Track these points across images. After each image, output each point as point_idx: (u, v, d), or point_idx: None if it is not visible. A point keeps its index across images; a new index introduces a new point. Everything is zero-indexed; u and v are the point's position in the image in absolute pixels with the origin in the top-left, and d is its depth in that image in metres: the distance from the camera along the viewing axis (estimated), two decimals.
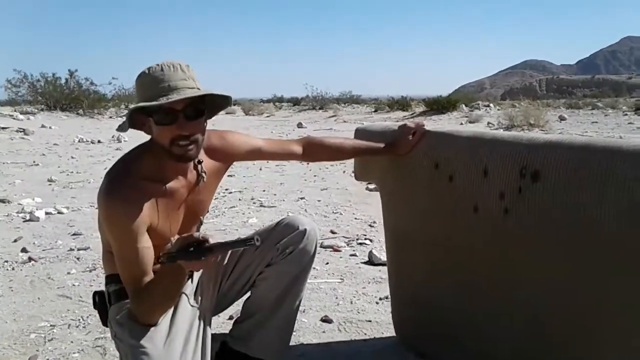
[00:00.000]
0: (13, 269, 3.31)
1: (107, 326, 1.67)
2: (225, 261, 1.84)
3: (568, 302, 1.44)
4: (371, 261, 3.36)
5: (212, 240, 1.34)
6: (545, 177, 1.42)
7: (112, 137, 12.65)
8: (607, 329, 1.37)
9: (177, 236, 1.63)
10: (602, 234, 1.31)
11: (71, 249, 3.71)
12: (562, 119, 16.56)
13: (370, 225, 4.36)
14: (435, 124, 16.24)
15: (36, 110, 18.24)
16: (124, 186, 1.48)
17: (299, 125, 18.10)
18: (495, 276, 1.64)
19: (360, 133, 2.22)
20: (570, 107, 21.62)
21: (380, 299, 2.74)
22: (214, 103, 1.59)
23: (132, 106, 1.47)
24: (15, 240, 3.96)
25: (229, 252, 1.37)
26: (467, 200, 1.67)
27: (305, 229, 1.78)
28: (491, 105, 22.05)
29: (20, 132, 13.02)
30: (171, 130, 1.46)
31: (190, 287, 1.74)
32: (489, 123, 15.60)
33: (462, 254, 1.75)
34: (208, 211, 1.86)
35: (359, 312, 2.58)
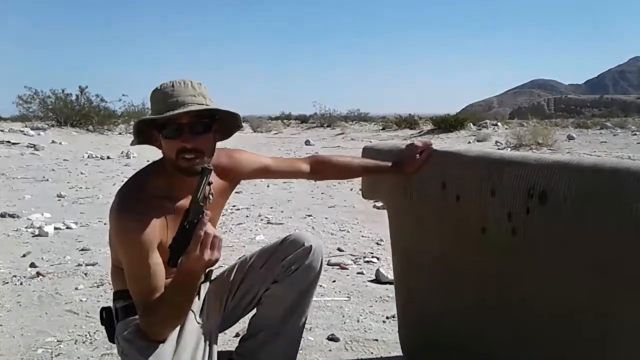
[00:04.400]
0: (21, 283, 3.33)
1: (114, 342, 1.68)
2: (231, 278, 1.85)
3: (579, 324, 1.42)
4: (378, 279, 3.35)
5: None
6: (553, 198, 1.42)
7: (121, 153, 12.76)
8: (622, 351, 1.35)
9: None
10: (610, 255, 1.31)
11: (79, 265, 3.73)
12: (570, 138, 16.51)
13: (377, 244, 4.35)
14: (443, 142, 16.24)
15: (47, 126, 18.42)
16: (135, 203, 1.50)
17: (307, 143, 18.17)
18: (503, 297, 1.63)
19: (367, 151, 2.23)
20: (579, 127, 21.55)
21: (387, 317, 2.72)
22: (227, 123, 1.61)
23: (137, 119, 1.52)
24: (24, 255, 3.98)
25: (202, 196, 1.36)
26: (475, 220, 1.67)
27: (311, 246, 1.79)
28: (499, 124, 22.03)
29: (31, 147, 13.16)
30: (176, 144, 1.49)
31: (197, 304, 1.74)
32: (496, 142, 15.58)
33: (469, 274, 1.74)
34: (215, 228, 1.87)
35: (365, 331, 2.57)
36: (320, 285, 3.13)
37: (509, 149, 13.41)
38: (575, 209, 1.37)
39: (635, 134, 17.50)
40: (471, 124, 20.80)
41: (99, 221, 5.19)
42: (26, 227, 4.89)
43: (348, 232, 4.83)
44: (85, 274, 3.50)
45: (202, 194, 1.38)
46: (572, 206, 1.38)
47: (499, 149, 13.01)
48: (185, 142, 1.49)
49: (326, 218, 5.46)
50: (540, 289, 1.50)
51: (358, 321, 2.70)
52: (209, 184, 1.66)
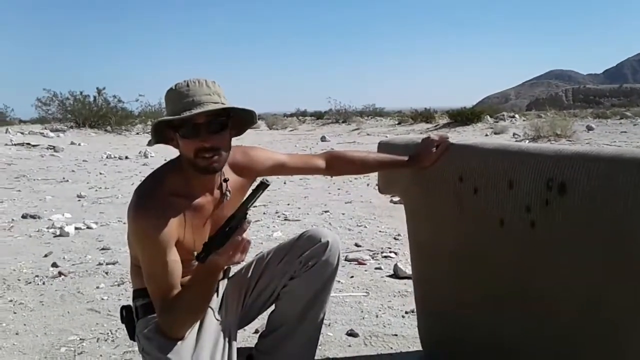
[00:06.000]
0: (44, 283, 3.38)
1: (134, 340, 1.69)
2: (249, 274, 1.86)
3: (598, 318, 1.41)
4: (396, 274, 3.34)
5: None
6: (573, 189, 1.40)
7: (139, 153, 12.88)
8: None
9: None
10: (631, 246, 1.29)
11: (100, 264, 3.78)
12: (589, 129, 16.28)
13: (395, 238, 4.34)
14: (460, 135, 16.12)
15: (65, 127, 18.67)
16: (153, 201, 1.52)
17: (323, 139, 18.16)
18: (523, 290, 1.61)
19: (383, 146, 2.22)
20: (598, 117, 21.23)
21: (406, 312, 2.72)
22: (241, 119, 1.62)
23: (155, 120, 1.53)
24: (45, 255, 4.04)
25: (250, 207, 1.40)
26: (493, 213, 1.65)
27: (328, 241, 1.79)
28: (516, 116, 21.81)
29: (51, 149, 13.34)
30: (194, 143, 1.50)
31: (215, 301, 1.76)
32: (514, 134, 15.43)
33: (488, 267, 1.73)
34: None
35: (384, 326, 2.56)
36: (339, 281, 3.13)
37: (527, 141, 13.27)
38: (595, 201, 1.35)
39: None
40: (488, 116, 20.62)
41: (119, 220, 5.24)
42: (47, 228, 4.97)
43: (365, 227, 4.82)
44: (106, 273, 3.55)
45: (253, 204, 1.41)
46: (592, 197, 1.36)
47: (516, 141, 12.89)
48: (204, 142, 1.49)
49: (343, 214, 5.46)
50: (559, 282, 1.48)
51: (377, 316, 2.69)
52: (225, 180, 1.67)
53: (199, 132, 1.49)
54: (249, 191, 1.45)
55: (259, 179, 1.43)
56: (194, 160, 1.52)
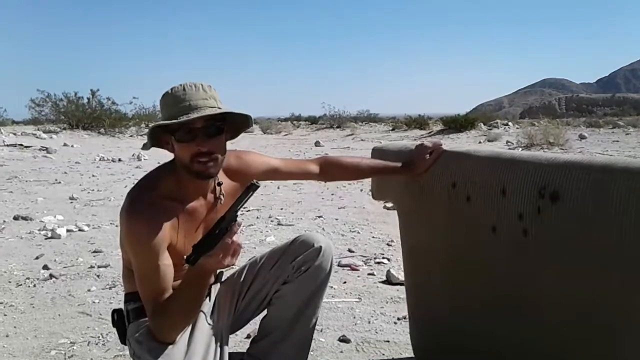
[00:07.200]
0: (34, 285, 3.36)
1: (125, 344, 1.69)
2: (242, 278, 1.86)
3: (591, 324, 1.41)
4: (389, 280, 3.34)
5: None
6: (565, 198, 1.41)
7: (133, 155, 12.84)
8: (636, 353, 1.34)
9: None
10: (623, 254, 1.30)
11: (91, 267, 3.76)
12: (582, 137, 16.37)
13: (388, 244, 4.34)
14: (453, 142, 16.17)
15: (59, 129, 18.58)
16: (146, 205, 1.51)
17: (317, 144, 18.17)
18: (515, 297, 1.62)
19: (377, 152, 2.23)
20: (591, 126, 21.36)
21: (399, 318, 2.72)
22: (236, 123, 1.62)
23: (152, 124, 1.52)
24: (37, 258, 4.01)
25: (239, 208, 1.39)
26: (485, 221, 1.66)
27: (321, 246, 1.79)
28: (510, 123, 21.90)
29: (43, 150, 13.28)
30: (191, 148, 1.50)
31: (207, 306, 1.75)
32: (507, 142, 15.49)
33: (481, 274, 1.73)
34: None
35: (377, 332, 2.56)
36: (331, 287, 3.13)
37: (520, 149, 13.33)
38: (587, 209, 1.36)
39: None
40: (482, 123, 20.70)
41: (111, 223, 5.22)
42: (39, 230, 4.94)
43: (358, 233, 4.82)
44: (98, 276, 3.53)
45: (242, 206, 1.40)
46: (584, 206, 1.37)
47: (510, 148, 12.94)
48: (200, 146, 1.49)
49: (336, 219, 5.46)
50: (552, 288, 1.49)
51: (369, 322, 2.69)
52: (219, 184, 1.67)
53: (196, 136, 1.49)
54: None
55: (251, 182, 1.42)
56: (189, 164, 1.52)
